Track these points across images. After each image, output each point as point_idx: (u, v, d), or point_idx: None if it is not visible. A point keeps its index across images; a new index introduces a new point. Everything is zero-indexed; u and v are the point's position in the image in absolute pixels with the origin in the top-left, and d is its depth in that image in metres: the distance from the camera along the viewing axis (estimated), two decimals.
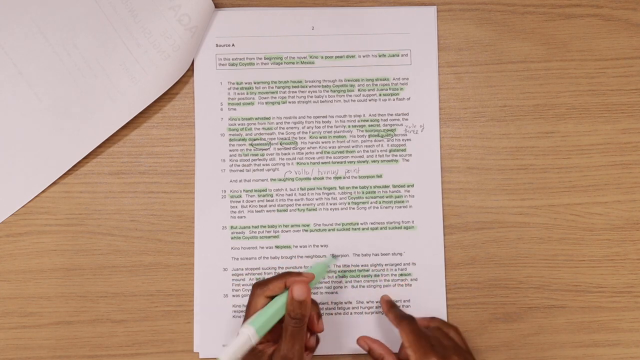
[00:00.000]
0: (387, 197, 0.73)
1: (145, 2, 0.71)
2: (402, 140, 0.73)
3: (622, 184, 0.73)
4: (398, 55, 0.74)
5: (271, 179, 0.73)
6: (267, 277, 0.72)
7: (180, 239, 0.73)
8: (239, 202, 0.73)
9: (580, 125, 0.74)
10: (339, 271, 0.73)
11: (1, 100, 0.72)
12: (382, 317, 0.72)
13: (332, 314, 0.72)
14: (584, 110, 0.74)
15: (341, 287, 0.73)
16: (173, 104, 0.74)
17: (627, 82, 0.74)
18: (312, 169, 0.73)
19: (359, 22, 0.74)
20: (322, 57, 0.74)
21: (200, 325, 0.72)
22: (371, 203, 0.73)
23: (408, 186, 0.73)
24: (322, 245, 0.73)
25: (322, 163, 0.73)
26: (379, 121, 0.74)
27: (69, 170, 0.73)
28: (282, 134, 0.73)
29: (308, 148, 0.73)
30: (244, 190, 0.73)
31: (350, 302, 0.72)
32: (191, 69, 0.74)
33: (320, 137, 0.73)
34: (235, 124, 0.73)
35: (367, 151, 0.73)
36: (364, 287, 0.72)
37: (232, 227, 0.73)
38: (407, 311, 0.71)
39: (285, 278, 0.63)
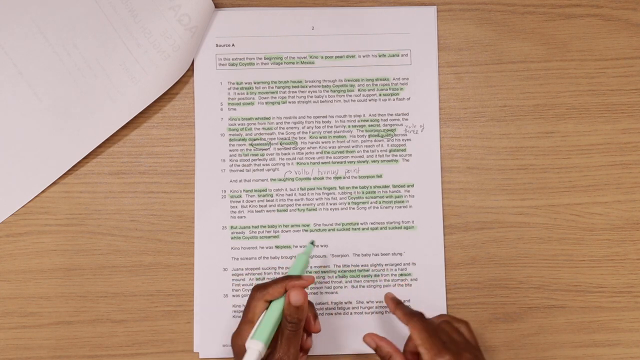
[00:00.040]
0: (387, 197, 0.73)
1: (145, 2, 0.71)
2: (402, 140, 0.73)
3: (622, 184, 0.73)
4: (398, 55, 0.74)
5: (271, 179, 0.73)
6: (267, 277, 0.72)
7: (180, 239, 0.73)
8: (239, 202, 0.73)
9: (580, 125, 0.74)
10: (339, 271, 0.73)
11: (1, 100, 0.72)
12: (382, 317, 0.72)
13: (332, 314, 0.72)
14: (584, 110, 0.74)
15: (341, 287, 0.73)
16: (173, 104, 0.74)
17: (627, 82, 0.74)
18: (312, 169, 0.73)
19: (359, 22, 0.74)
20: (322, 57, 0.74)
21: (200, 325, 0.72)
22: (371, 203, 0.73)
23: (408, 186, 0.73)
24: (322, 245, 0.73)
25: (322, 163, 0.73)
26: (379, 121, 0.74)
27: (69, 170, 0.73)
28: (282, 134, 0.73)
29: (308, 148, 0.73)
30: (244, 190, 0.73)
31: (350, 302, 0.72)
32: (191, 69, 0.74)
33: (320, 137, 0.73)
34: (235, 124, 0.73)
35: (367, 151, 0.73)
36: (364, 287, 0.72)
37: (232, 227, 0.73)
38: None
39: (285, 282, 0.62)
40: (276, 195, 0.73)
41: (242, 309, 0.71)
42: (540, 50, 0.74)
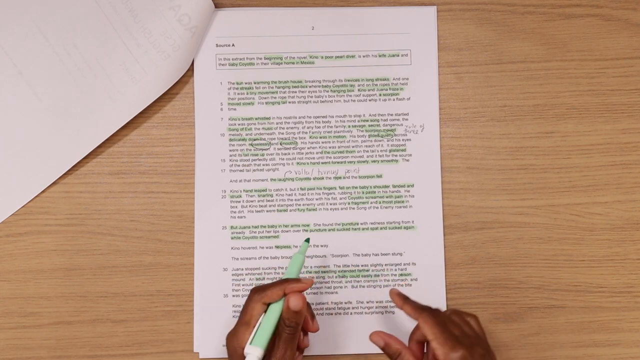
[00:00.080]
0: (387, 197, 0.73)
1: (145, 2, 0.71)
2: (402, 140, 0.73)
3: (622, 184, 0.73)
4: (398, 55, 0.74)
5: (271, 179, 0.73)
6: (267, 277, 0.72)
7: (180, 239, 0.73)
8: (239, 202, 0.73)
9: (580, 125, 0.74)
10: (339, 271, 0.73)
11: (1, 100, 0.72)
12: (382, 317, 0.72)
13: (332, 314, 0.72)
14: (584, 110, 0.74)
15: (341, 287, 0.73)
16: (173, 104, 0.74)
17: (627, 82, 0.74)
18: (312, 169, 0.73)
19: (359, 22, 0.74)
20: (322, 57, 0.74)
21: (200, 325, 0.72)
22: (371, 203, 0.73)
23: (408, 186, 0.73)
24: (322, 245, 0.73)
25: (322, 163, 0.73)
26: (379, 121, 0.74)
27: (69, 170, 0.73)
28: (282, 134, 0.73)
29: (308, 148, 0.73)
30: (244, 190, 0.73)
31: (350, 302, 0.72)
32: (191, 69, 0.74)
33: (320, 137, 0.73)
34: (235, 124, 0.73)
35: (367, 151, 0.73)
36: (364, 287, 0.72)
37: (232, 227, 0.73)
38: None
39: (284, 286, 0.62)
40: (276, 195, 0.73)
41: None
42: (540, 50, 0.74)
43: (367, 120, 0.74)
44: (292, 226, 0.73)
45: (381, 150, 0.73)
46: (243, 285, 0.72)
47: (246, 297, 0.64)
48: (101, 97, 0.72)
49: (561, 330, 0.72)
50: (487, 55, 0.74)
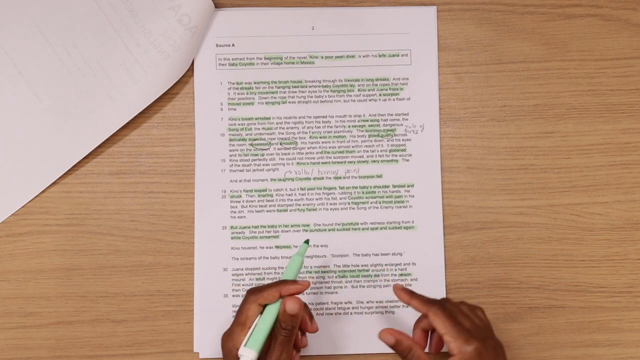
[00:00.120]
0: (387, 197, 0.73)
1: (145, 2, 0.71)
2: (402, 140, 0.73)
3: (622, 184, 0.73)
4: (398, 55, 0.74)
5: (271, 179, 0.73)
6: (267, 277, 0.72)
7: (180, 239, 0.73)
8: (239, 202, 0.73)
9: (580, 125, 0.74)
10: (339, 271, 0.73)
11: (1, 100, 0.72)
12: (382, 317, 0.72)
13: (332, 314, 0.72)
14: (584, 110, 0.74)
15: (341, 287, 0.73)
16: (173, 104, 0.74)
17: (627, 82, 0.74)
18: (312, 169, 0.73)
19: (359, 22, 0.74)
20: (322, 57, 0.74)
21: (200, 325, 0.72)
22: (371, 203, 0.73)
23: (408, 186, 0.73)
24: (322, 245, 0.73)
25: (322, 163, 0.73)
26: (379, 121, 0.74)
27: (69, 170, 0.73)
28: (282, 134, 0.73)
29: (308, 148, 0.73)
30: (244, 190, 0.73)
31: (350, 302, 0.72)
32: (191, 69, 0.74)
33: (320, 137, 0.73)
34: (235, 124, 0.73)
35: (367, 151, 0.73)
36: (364, 287, 0.72)
37: (232, 227, 0.73)
38: (407, 311, 0.71)
39: (280, 287, 0.62)
40: (276, 195, 0.73)
41: None
42: (540, 50, 0.74)
43: (367, 120, 0.74)
44: (292, 226, 0.73)
45: (381, 150, 0.73)
46: (243, 285, 0.72)
47: None
48: (101, 97, 0.72)
49: (561, 330, 0.72)
50: (487, 55, 0.74)
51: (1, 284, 0.72)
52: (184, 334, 0.72)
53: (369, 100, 0.74)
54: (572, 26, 0.74)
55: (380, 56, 0.74)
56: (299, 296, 0.62)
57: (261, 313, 0.62)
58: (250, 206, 0.73)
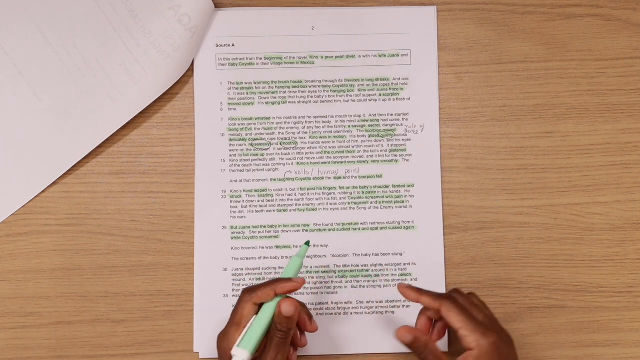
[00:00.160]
0: (387, 197, 0.73)
1: (145, 2, 0.71)
2: (402, 140, 0.73)
3: (622, 184, 0.73)
4: (398, 55, 0.74)
5: (271, 179, 0.73)
6: (267, 277, 0.72)
7: (180, 239, 0.73)
8: (239, 202, 0.73)
9: (580, 125, 0.74)
10: (339, 271, 0.73)
11: (1, 100, 0.72)
12: (382, 317, 0.72)
13: (332, 314, 0.72)
14: (584, 110, 0.74)
15: (341, 287, 0.73)
16: (173, 104, 0.74)
17: (627, 82, 0.74)
18: (312, 169, 0.73)
19: (359, 22, 0.74)
20: (322, 57, 0.74)
21: (200, 325, 0.72)
22: (371, 203, 0.73)
23: (408, 186, 0.73)
24: (322, 245, 0.73)
25: (322, 163, 0.73)
26: (379, 121, 0.74)
27: (69, 170, 0.73)
28: (282, 134, 0.73)
29: (308, 148, 0.73)
30: (244, 190, 0.73)
31: (350, 302, 0.72)
32: (191, 69, 0.74)
33: (320, 137, 0.73)
34: (235, 124, 0.73)
35: (367, 151, 0.73)
36: (364, 287, 0.72)
37: (232, 227, 0.73)
38: (407, 311, 0.71)
39: (275, 286, 0.61)
40: (276, 195, 0.73)
41: None
42: (540, 50, 0.74)
43: (367, 120, 0.74)
44: (292, 226, 0.73)
45: (381, 150, 0.73)
46: (243, 285, 0.72)
47: None
48: (101, 97, 0.72)
49: (561, 330, 0.72)
50: (487, 55, 0.74)
51: (1, 284, 0.72)
52: (184, 334, 0.72)
53: (369, 100, 0.74)
54: (572, 26, 0.74)
55: (380, 56, 0.74)
56: (297, 297, 0.62)
57: (257, 313, 0.62)
58: (250, 206, 0.73)
